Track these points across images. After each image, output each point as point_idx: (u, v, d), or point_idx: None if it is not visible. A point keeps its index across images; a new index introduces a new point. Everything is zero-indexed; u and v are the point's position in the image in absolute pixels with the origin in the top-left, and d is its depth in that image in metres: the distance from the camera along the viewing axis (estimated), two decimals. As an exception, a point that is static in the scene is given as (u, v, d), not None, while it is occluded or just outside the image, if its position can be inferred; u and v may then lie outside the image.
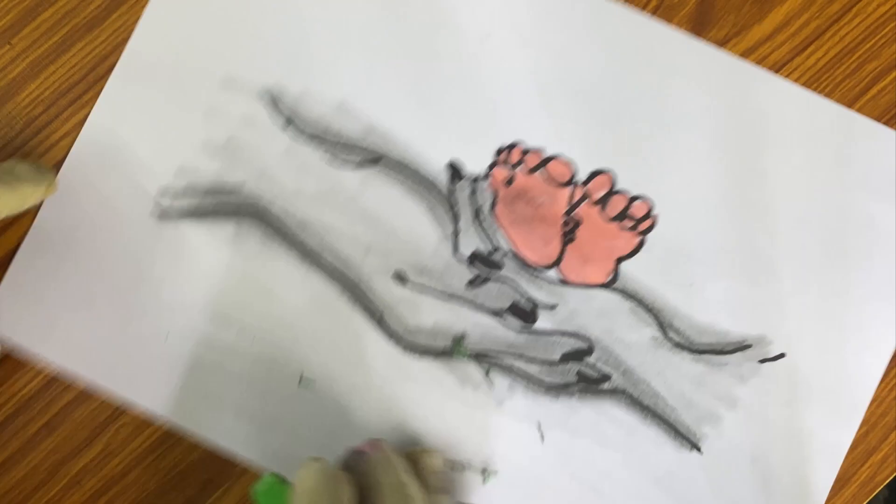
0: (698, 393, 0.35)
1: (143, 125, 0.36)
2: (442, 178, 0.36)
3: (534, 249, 0.36)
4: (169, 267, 0.35)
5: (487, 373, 0.35)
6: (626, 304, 0.35)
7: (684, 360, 0.35)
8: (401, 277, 0.35)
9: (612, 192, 0.35)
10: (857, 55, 0.37)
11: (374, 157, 0.36)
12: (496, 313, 0.35)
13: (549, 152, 0.36)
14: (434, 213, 0.36)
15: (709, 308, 0.35)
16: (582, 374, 0.35)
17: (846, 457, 0.35)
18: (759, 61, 0.36)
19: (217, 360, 0.35)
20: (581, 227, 0.35)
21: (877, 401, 0.35)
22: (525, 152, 0.36)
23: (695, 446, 0.35)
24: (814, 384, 0.35)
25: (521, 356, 0.35)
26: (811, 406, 0.35)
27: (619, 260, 0.35)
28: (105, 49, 0.37)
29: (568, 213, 0.35)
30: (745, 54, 0.36)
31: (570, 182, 0.36)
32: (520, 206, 0.36)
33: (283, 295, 0.35)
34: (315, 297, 0.35)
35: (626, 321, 0.35)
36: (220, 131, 0.36)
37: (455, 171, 0.36)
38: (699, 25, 0.37)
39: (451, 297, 0.35)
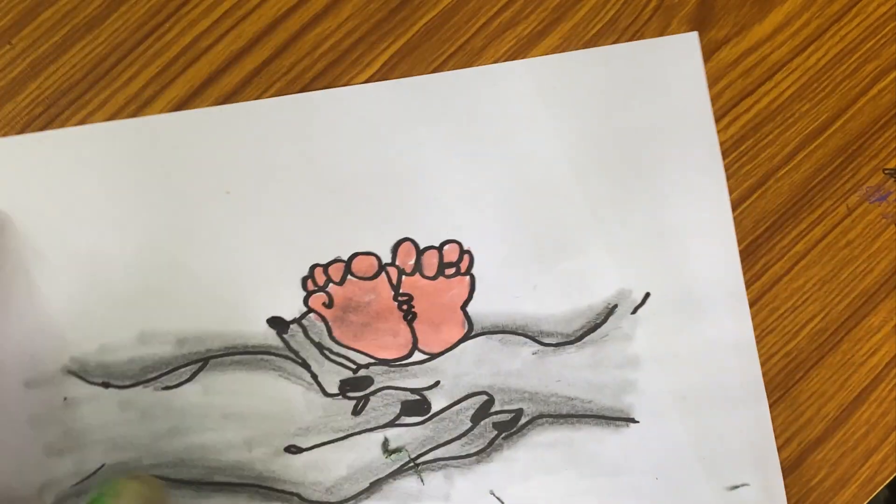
0: (601, 374, 0.35)
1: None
2: (271, 339, 0.35)
3: (388, 347, 0.35)
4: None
5: (420, 476, 0.35)
6: (495, 340, 0.35)
7: (571, 355, 0.35)
8: (293, 449, 0.35)
9: (420, 253, 0.35)
10: (857, 55, 0.37)
11: (200, 360, 0.35)
12: (393, 423, 0.35)
13: (344, 256, 0.35)
14: (284, 373, 0.35)
15: (561, 297, 0.35)
16: (497, 423, 0.35)
17: (846, 457, 0.35)
18: (760, 61, 0.36)
19: None
20: (415, 300, 0.35)
21: (877, 401, 0.35)
22: (325, 269, 0.35)
23: (629, 420, 0.35)
24: (689, 299, 0.35)
25: (438, 445, 0.35)
26: (700, 319, 0.35)
27: (464, 307, 0.35)
28: (105, 49, 0.36)
29: (396, 296, 0.35)
30: (745, 54, 0.37)
31: (380, 269, 0.35)
32: (351, 317, 0.35)
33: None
34: (233, 514, 0.34)
35: (503, 354, 0.35)
36: (52, 430, 0.35)
37: (279, 325, 0.35)
38: (699, 25, 0.37)
39: (347, 435, 0.35)
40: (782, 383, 0.36)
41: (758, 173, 0.36)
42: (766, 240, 0.36)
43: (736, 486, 0.34)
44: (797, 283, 0.36)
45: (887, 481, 0.35)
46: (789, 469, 0.35)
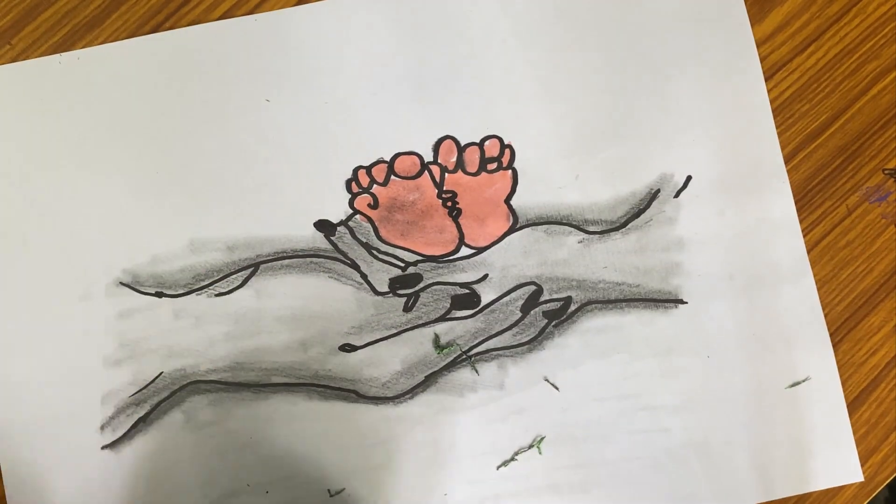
0: (646, 258, 0.35)
1: (41, 383, 0.35)
2: (319, 241, 0.35)
3: (435, 243, 0.36)
4: (141, 485, 0.34)
5: (474, 367, 0.35)
6: (540, 231, 0.36)
7: (616, 241, 0.35)
8: (348, 347, 0.35)
9: (462, 150, 0.36)
10: (857, 55, 0.37)
11: (251, 266, 0.35)
12: (445, 317, 0.35)
13: (387, 157, 0.36)
14: (334, 274, 0.35)
15: (604, 185, 0.35)
16: (546, 312, 0.35)
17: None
18: (759, 61, 0.36)
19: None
20: (459, 196, 0.36)
21: (877, 401, 0.36)
22: (369, 171, 0.36)
23: (677, 301, 0.35)
24: (730, 180, 0.35)
25: (490, 336, 0.35)
26: (741, 199, 0.35)
27: (508, 200, 0.36)
28: (105, 49, 0.36)
29: (440, 193, 0.36)
30: None
31: (422, 167, 0.36)
32: (397, 216, 0.36)
33: (265, 433, 0.35)
34: (290, 414, 0.35)
35: (549, 245, 0.35)
36: (108, 341, 0.35)
37: (326, 228, 0.36)
38: None
39: (400, 332, 0.35)
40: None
41: (758, 174, 0.37)
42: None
43: (797, 383, 0.35)
44: (797, 282, 0.36)
45: (887, 481, 0.35)
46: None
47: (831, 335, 0.36)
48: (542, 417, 0.35)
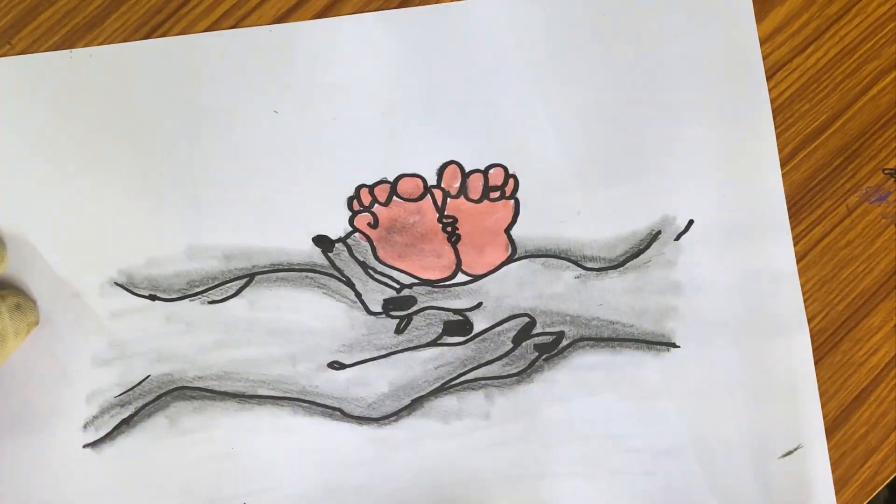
0: (642, 299, 0.35)
1: (27, 377, 0.35)
2: (316, 257, 0.35)
3: (432, 268, 0.36)
4: (120, 487, 0.34)
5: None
6: (538, 263, 0.35)
7: (614, 280, 0.35)
8: (336, 365, 0.35)
9: (466, 176, 0.36)
10: (857, 55, 0.37)
11: (246, 276, 0.35)
12: (436, 342, 0.35)
13: (390, 177, 0.36)
14: (328, 290, 0.35)
15: (605, 222, 0.35)
16: (538, 345, 0.35)
17: (846, 457, 0.35)
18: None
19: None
20: (460, 223, 0.36)
21: (877, 401, 0.35)
22: (371, 190, 0.35)
23: (670, 344, 0.35)
24: (732, 227, 0.35)
25: (480, 365, 0.35)
26: (742, 248, 0.35)
27: (508, 230, 0.35)
28: (105, 49, 0.36)
29: (440, 218, 0.36)
30: None
31: (425, 191, 0.36)
32: (396, 238, 0.36)
33: (247, 444, 0.35)
34: (274, 427, 0.35)
35: (546, 278, 0.35)
36: (98, 340, 0.35)
37: (324, 243, 0.35)
38: None
39: (390, 353, 0.35)
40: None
41: (757, 173, 0.37)
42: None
43: (790, 452, 0.35)
44: (797, 282, 0.36)
45: (887, 481, 0.35)
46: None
47: (831, 335, 0.36)
48: (525, 450, 0.35)
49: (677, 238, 0.35)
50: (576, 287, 0.35)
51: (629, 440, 0.35)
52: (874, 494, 0.35)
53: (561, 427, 0.35)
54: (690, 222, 0.35)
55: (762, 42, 0.37)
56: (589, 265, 0.35)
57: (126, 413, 0.35)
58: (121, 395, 0.35)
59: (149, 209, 0.35)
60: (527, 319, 0.35)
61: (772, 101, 0.36)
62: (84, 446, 0.35)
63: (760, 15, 0.37)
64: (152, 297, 0.35)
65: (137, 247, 0.35)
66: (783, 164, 0.36)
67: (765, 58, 0.36)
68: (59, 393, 0.35)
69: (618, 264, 0.35)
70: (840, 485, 0.35)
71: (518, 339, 0.35)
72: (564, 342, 0.35)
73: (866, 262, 0.36)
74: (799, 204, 0.36)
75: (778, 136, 0.36)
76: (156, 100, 0.35)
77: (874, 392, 0.36)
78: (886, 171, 0.36)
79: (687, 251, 0.35)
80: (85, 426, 0.35)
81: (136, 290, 0.35)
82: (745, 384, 0.35)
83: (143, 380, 0.35)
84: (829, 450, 0.35)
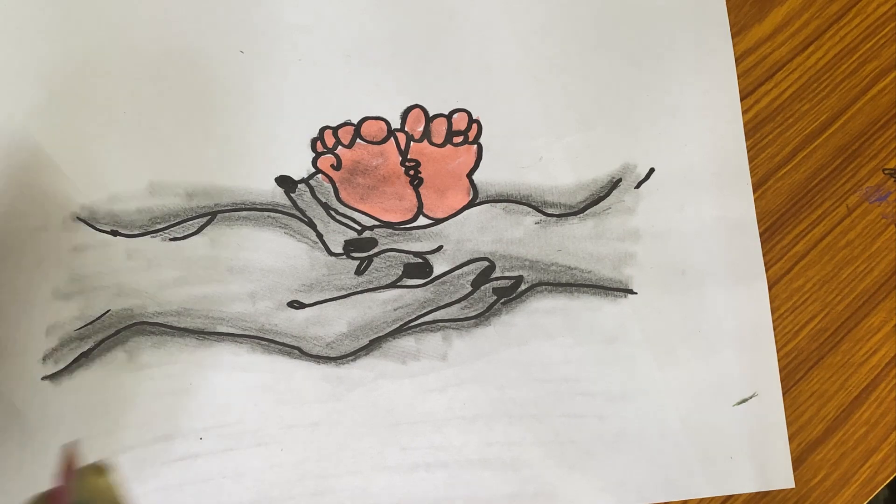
0: (601, 245, 0.35)
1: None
2: (278, 197, 0.36)
3: (393, 210, 0.36)
4: (78, 419, 0.35)
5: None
6: (499, 208, 0.36)
7: (573, 225, 0.35)
8: (296, 304, 0.35)
9: (429, 121, 0.36)
10: (857, 55, 0.37)
11: (208, 214, 0.35)
12: (395, 284, 0.35)
13: (354, 120, 0.36)
14: (290, 230, 0.35)
15: (567, 169, 0.36)
16: (497, 289, 0.35)
17: (846, 457, 0.35)
18: (759, 61, 0.36)
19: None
20: (422, 166, 0.36)
21: (877, 401, 0.36)
22: (335, 132, 0.36)
23: (627, 290, 0.35)
24: (692, 176, 0.36)
25: (438, 307, 0.35)
26: (702, 197, 0.36)
27: (470, 175, 0.36)
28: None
29: (403, 161, 0.36)
30: (745, 54, 0.37)
31: (389, 134, 0.36)
32: (359, 179, 0.36)
33: (205, 380, 0.35)
34: (232, 364, 0.35)
35: (506, 223, 0.36)
36: (59, 274, 0.35)
37: (287, 184, 0.36)
38: None
39: (350, 294, 0.35)
40: (782, 383, 0.36)
41: (758, 173, 0.37)
42: (766, 240, 0.36)
43: (744, 400, 0.35)
44: (797, 283, 0.36)
45: (887, 481, 0.35)
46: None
47: (831, 335, 0.36)
48: (480, 392, 0.35)
49: (637, 186, 0.35)
50: (536, 232, 0.35)
51: (584, 384, 0.35)
52: (874, 494, 0.35)
53: (517, 370, 0.35)
54: (651, 170, 0.36)
55: (762, 42, 0.37)
56: (549, 211, 0.35)
57: (85, 346, 0.35)
58: (80, 328, 0.35)
59: (112, 145, 0.35)
60: (486, 263, 0.35)
61: (772, 101, 0.36)
62: (42, 378, 0.35)
63: (760, 15, 0.37)
64: (114, 233, 0.35)
65: (101, 182, 0.35)
66: (784, 163, 0.36)
67: (765, 58, 0.37)
68: (19, 325, 0.35)
69: (578, 211, 0.35)
70: (840, 485, 0.35)
71: (477, 283, 0.35)
72: (523, 286, 0.35)
73: (866, 262, 0.36)
74: (799, 204, 0.36)
75: (778, 136, 0.36)
76: (121, 37, 0.35)
77: (874, 392, 0.36)
78: (886, 171, 0.36)
79: (647, 199, 0.35)
80: (44, 359, 0.35)
81: (98, 226, 0.35)
82: (700, 332, 0.35)
83: (103, 314, 0.35)
84: (830, 449, 0.35)
